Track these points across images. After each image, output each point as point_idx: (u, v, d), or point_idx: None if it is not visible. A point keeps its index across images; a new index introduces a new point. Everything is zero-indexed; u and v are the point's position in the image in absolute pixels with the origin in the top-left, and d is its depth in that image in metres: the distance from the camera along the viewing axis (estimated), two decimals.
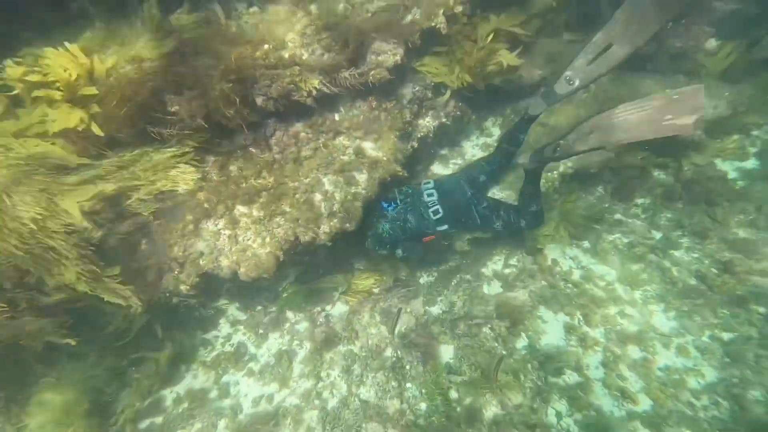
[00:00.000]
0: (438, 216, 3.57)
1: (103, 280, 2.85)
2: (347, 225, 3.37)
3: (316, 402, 3.65)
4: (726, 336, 3.90)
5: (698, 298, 4.22)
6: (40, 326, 2.86)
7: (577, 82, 3.10)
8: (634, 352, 3.92)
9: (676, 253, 4.76)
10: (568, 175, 4.72)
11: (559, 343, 4.03)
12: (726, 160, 5.16)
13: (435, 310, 4.29)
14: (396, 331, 3.86)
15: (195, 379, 3.92)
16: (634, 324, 4.12)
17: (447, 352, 3.93)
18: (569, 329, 4.12)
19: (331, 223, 3.34)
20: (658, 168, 5.31)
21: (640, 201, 5.31)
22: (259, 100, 3.26)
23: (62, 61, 2.69)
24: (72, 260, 2.65)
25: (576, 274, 4.64)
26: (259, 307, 4.35)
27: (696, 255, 4.67)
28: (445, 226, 3.64)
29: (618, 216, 5.20)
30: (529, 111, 3.49)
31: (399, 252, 3.60)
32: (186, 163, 3.19)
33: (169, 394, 3.82)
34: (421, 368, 3.71)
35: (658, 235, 4.94)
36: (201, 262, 3.11)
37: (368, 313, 4.13)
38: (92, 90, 2.74)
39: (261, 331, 4.19)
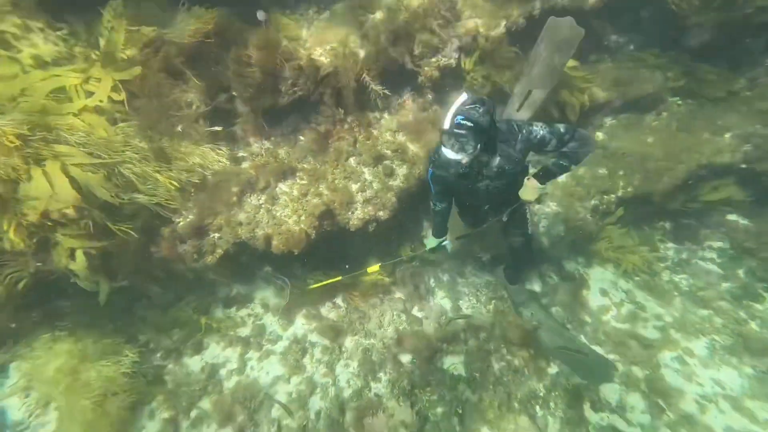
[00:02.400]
0: None
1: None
2: (380, 213, 3.41)
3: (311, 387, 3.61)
4: None
5: None
6: None
7: None
8: (688, 404, 3.38)
9: (758, 306, 4.12)
10: (627, 200, 4.35)
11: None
12: None
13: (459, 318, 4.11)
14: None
15: (221, 351, 4.05)
16: (692, 375, 3.57)
17: (458, 364, 3.71)
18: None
19: (365, 210, 3.40)
20: (735, 209, 4.71)
21: (716, 245, 4.74)
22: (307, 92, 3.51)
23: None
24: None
25: (625, 309, 4.19)
26: (290, 292, 4.44)
27: None
28: None
29: (684, 255, 4.68)
30: None
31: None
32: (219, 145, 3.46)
33: (191, 360, 3.97)
34: (429, 374, 3.54)
35: (733, 283, 4.33)
36: (239, 231, 3.31)
37: (390, 308, 4.06)
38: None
39: (287, 315, 4.27)
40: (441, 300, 4.28)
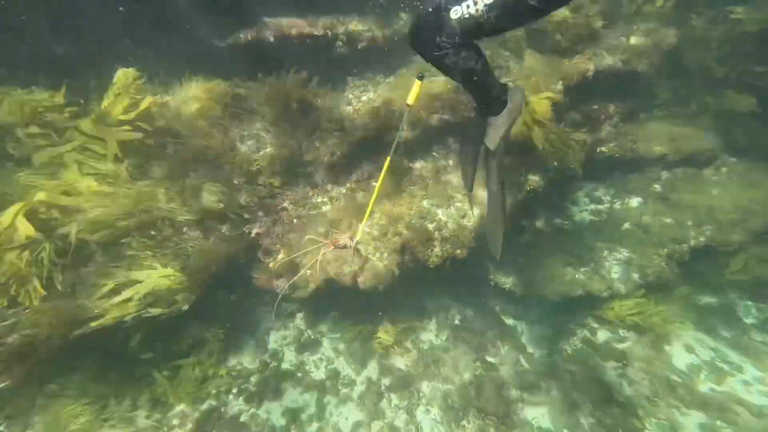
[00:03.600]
0: None
1: None
2: (458, 251, 3.56)
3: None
4: None
5: None
6: None
7: None
8: None
9: None
10: (699, 250, 4.28)
11: None
12: None
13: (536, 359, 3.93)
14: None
15: (300, 395, 3.99)
16: None
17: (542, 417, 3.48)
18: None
19: (444, 248, 3.57)
20: None
21: None
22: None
23: None
24: None
25: (719, 370, 3.90)
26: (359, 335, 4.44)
27: None
28: None
29: None
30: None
31: None
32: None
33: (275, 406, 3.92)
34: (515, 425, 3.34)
35: None
36: (328, 269, 3.52)
37: (463, 355, 3.97)
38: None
39: (359, 360, 4.24)
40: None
